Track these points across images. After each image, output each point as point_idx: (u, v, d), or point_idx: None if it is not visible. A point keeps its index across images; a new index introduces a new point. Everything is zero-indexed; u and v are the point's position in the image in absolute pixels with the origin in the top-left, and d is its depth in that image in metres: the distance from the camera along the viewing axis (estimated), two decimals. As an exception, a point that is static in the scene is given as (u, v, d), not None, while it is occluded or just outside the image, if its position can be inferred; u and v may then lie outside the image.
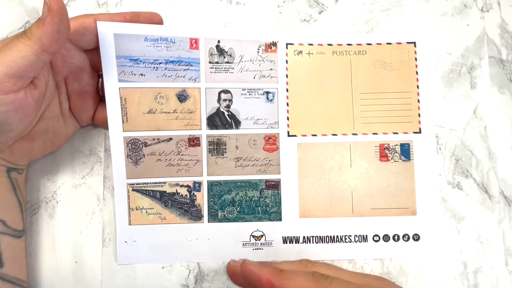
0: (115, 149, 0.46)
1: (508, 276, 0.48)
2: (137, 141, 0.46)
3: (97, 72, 0.46)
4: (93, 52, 0.44)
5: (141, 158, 0.47)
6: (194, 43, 0.46)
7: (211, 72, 0.47)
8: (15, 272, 0.42)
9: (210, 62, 0.47)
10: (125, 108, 0.46)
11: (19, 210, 0.44)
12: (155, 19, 0.45)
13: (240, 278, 0.44)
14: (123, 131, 0.46)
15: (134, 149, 0.46)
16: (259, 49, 0.48)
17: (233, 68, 0.47)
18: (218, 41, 0.47)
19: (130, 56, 0.45)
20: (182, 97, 0.47)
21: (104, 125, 0.46)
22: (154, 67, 0.46)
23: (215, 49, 0.47)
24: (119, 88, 0.45)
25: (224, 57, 0.47)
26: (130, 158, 0.46)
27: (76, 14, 0.42)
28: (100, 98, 0.47)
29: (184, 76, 0.46)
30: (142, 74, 0.46)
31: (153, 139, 0.47)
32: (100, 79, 0.46)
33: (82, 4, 0.50)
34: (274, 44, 0.48)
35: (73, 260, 0.47)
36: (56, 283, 0.47)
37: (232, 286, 0.47)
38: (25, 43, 0.35)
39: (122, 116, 0.46)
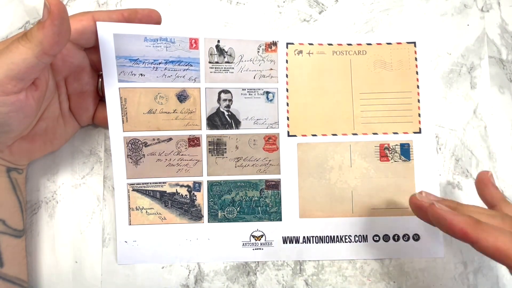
0: (115, 149, 0.46)
1: (508, 276, 0.48)
2: (137, 141, 0.46)
3: (97, 71, 0.46)
4: (93, 51, 0.44)
5: (141, 158, 0.47)
6: (193, 43, 0.46)
7: (211, 72, 0.47)
8: (15, 272, 0.42)
9: (210, 62, 0.47)
10: (125, 108, 0.46)
11: (19, 210, 0.44)
12: (153, 16, 0.45)
13: (425, 215, 0.38)
14: (123, 131, 0.46)
15: (134, 149, 0.46)
16: (259, 49, 0.48)
17: (233, 68, 0.47)
18: (218, 41, 0.47)
19: (130, 56, 0.45)
20: (182, 97, 0.47)
21: (104, 125, 0.46)
22: (154, 67, 0.46)
23: (215, 49, 0.47)
24: (119, 88, 0.45)
25: (224, 57, 0.47)
26: (130, 158, 0.46)
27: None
28: (100, 98, 0.47)
29: (184, 76, 0.46)
30: (142, 74, 0.46)
31: (153, 139, 0.47)
32: (100, 79, 0.46)
33: (82, 4, 0.50)
34: (274, 43, 0.48)
35: (73, 260, 0.47)
36: (56, 283, 0.47)
37: (232, 286, 0.48)
38: (25, 46, 0.35)
39: (122, 116, 0.46)
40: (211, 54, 0.47)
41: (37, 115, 0.41)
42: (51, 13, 0.34)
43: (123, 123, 0.46)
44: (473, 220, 0.34)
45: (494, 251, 0.32)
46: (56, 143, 0.45)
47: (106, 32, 0.43)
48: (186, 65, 0.46)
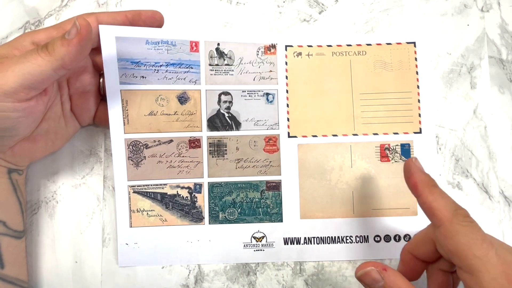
0: (116, 151, 0.46)
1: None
2: (138, 143, 0.46)
3: (99, 71, 0.46)
4: (95, 51, 0.44)
5: (142, 160, 0.47)
6: (194, 46, 0.46)
7: (211, 74, 0.47)
8: (16, 273, 0.43)
9: (210, 65, 0.47)
10: (126, 110, 0.46)
11: (20, 211, 0.44)
12: (156, 18, 0.45)
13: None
14: (124, 133, 0.46)
15: (135, 151, 0.46)
16: (258, 51, 0.48)
17: (233, 70, 0.47)
18: (218, 44, 0.47)
19: (131, 59, 0.45)
20: (182, 99, 0.47)
21: (105, 125, 0.47)
22: (155, 69, 0.46)
23: (215, 52, 0.47)
24: (121, 90, 0.45)
25: (224, 60, 0.47)
26: (131, 160, 0.46)
27: (76, 14, 0.43)
28: (101, 98, 0.47)
29: (184, 79, 0.46)
30: (143, 77, 0.46)
31: (154, 141, 0.47)
32: (102, 79, 0.46)
33: (82, 4, 0.50)
34: (273, 46, 0.48)
35: (73, 260, 0.47)
36: (56, 283, 0.47)
37: (232, 286, 0.48)
38: (45, 58, 0.35)
39: (123, 118, 0.46)
40: (211, 57, 0.47)
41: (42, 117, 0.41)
42: (80, 34, 0.35)
43: (124, 125, 0.46)
44: (429, 182, 0.36)
45: (427, 207, 0.35)
46: (57, 143, 0.46)
47: (108, 35, 0.43)
48: (187, 68, 0.46)
